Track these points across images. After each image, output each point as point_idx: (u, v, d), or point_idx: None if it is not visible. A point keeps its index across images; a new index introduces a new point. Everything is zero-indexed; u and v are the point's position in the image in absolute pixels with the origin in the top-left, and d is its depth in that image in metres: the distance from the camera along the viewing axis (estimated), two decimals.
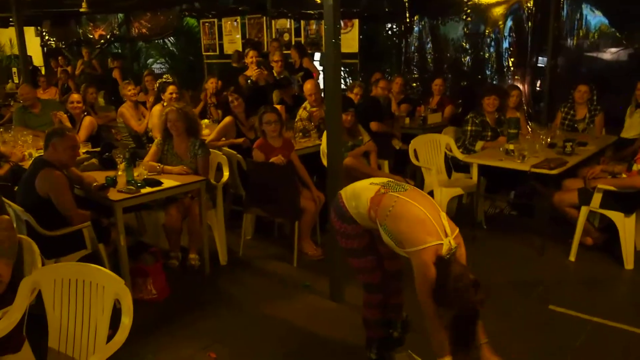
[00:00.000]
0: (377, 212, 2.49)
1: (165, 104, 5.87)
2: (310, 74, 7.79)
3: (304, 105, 5.79)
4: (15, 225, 2.86)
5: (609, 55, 7.07)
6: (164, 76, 6.98)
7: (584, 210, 4.38)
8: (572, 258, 4.44)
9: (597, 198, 4.28)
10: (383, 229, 2.50)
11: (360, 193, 2.60)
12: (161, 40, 12.03)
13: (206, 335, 3.42)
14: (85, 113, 5.73)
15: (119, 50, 12.62)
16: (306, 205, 4.51)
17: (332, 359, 3.18)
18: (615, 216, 4.27)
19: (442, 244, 2.36)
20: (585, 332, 3.38)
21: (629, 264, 4.28)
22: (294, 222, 4.47)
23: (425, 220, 2.39)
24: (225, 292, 4.05)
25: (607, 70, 7.07)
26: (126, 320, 2.18)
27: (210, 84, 7.10)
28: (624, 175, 4.29)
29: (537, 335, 3.38)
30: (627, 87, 5.76)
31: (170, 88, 5.80)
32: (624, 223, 4.23)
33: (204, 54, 10.88)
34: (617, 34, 6.88)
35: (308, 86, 5.76)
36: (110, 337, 2.20)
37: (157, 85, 6.25)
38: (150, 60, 12.65)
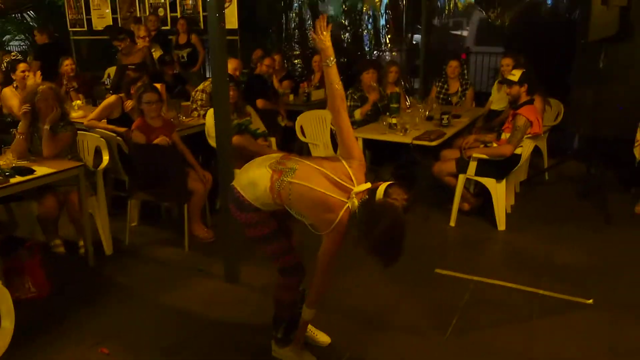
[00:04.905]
0: (281, 199, 2.51)
1: (16, 85, 5.40)
2: (197, 52, 7.55)
3: (202, 87, 5.52)
4: None
5: (475, 32, 7.57)
6: (12, 53, 6.31)
7: (461, 178, 4.69)
8: (452, 223, 4.75)
9: (472, 166, 4.60)
10: (294, 212, 2.54)
11: (256, 182, 2.54)
12: (19, 15, 10.94)
13: (96, 332, 3.21)
14: None
15: None
16: (194, 187, 4.38)
17: (234, 342, 3.12)
18: (489, 182, 4.61)
19: (349, 206, 2.42)
20: (469, 291, 3.64)
21: (501, 226, 4.65)
22: (182, 205, 4.33)
23: (323, 195, 2.42)
24: (114, 284, 3.83)
25: (475, 46, 7.59)
26: (7, 324, 2.00)
27: (66, 67, 6.29)
28: (494, 145, 4.64)
29: (426, 298, 3.58)
30: (494, 63, 6.22)
31: (22, 66, 5.37)
32: (496, 188, 4.59)
33: (70, 29, 10.06)
34: (483, 11, 7.38)
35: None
36: None
37: (5, 64, 5.70)
38: (7, 37, 11.47)
